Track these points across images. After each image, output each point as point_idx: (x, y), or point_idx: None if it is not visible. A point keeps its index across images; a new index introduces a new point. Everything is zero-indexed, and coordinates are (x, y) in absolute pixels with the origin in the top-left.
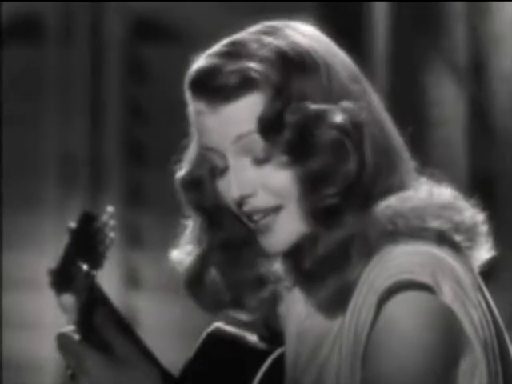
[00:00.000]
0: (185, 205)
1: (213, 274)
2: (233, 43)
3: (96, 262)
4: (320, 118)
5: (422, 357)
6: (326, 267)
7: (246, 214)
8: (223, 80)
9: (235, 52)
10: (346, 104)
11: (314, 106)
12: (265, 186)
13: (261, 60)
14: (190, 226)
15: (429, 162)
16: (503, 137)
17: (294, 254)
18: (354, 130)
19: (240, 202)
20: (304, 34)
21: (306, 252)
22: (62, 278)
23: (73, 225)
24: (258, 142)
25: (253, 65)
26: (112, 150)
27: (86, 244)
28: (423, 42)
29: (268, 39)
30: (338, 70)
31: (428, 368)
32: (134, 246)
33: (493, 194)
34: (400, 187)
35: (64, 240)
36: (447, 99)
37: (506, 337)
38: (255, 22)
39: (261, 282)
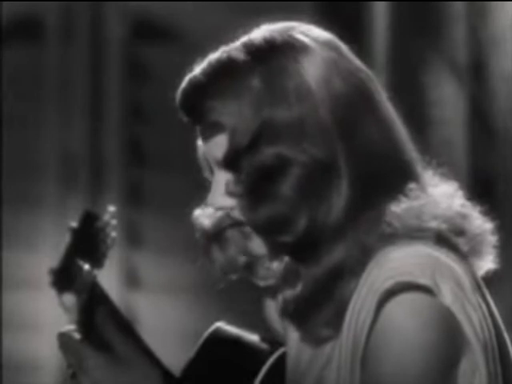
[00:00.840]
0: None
1: (230, 234)
2: (218, 62)
3: (97, 261)
4: (274, 168)
5: (421, 358)
6: (309, 306)
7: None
8: (198, 115)
9: (214, 81)
10: (307, 147)
11: (271, 153)
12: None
13: (234, 96)
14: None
15: (429, 162)
16: (503, 137)
17: (279, 298)
18: (311, 181)
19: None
20: (306, 48)
21: (288, 295)
22: (63, 278)
23: (74, 224)
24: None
25: (223, 105)
26: (112, 149)
27: (87, 243)
28: (423, 42)
29: (252, 62)
30: (323, 98)
31: (428, 369)
32: (134, 245)
33: (493, 194)
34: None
35: (65, 239)
36: (447, 99)
37: (507, 338)
38: (255, 22)
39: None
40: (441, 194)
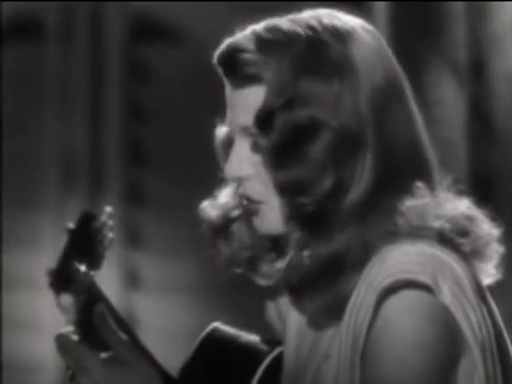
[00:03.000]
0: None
1: (237, 228)
2: (269, 29)
3: (95, 262)
4: (307, 129)
5: (419, 356)
6: (313, 284)
7: (240, 195)
8: (240, 67)
9: (262, 40)
10: (341, 116)
11: (305, 114)
12: (258, 174)
13: (277, 56)
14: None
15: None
16: (503, 137)
17: (284, 272)
18: (340, 147)
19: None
20: (354, 34)
21: (293, 269)
22: (61, 279)
23: (72, 225)
24: (258, 136)
25: (267, 59)
26: (112, 149)
27: (84, 244)
28: (423, 42)
29: (300, 33)
30: (363, 81)
31: (426, 367)
32: (134, 246)
33: (493, 194)
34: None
35: (63, 240)
36: (447, 99)
37: (507, 339)
38: (255, 22)
39: (277, 251)
40: (447, 195)
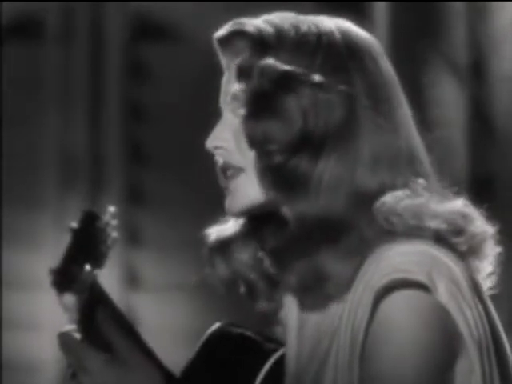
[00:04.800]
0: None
1: (238, 249)
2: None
3: (98, 261)
4: (285, 81)
5: (417, 355)
6: (291, 249)
7: (220, 168)
8: (240, 37)
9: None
10: (319, 78)
11: (283, 68)
12: (237, 141)
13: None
14: None
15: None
16: (503, 137)
17: (263, 236)
18: (316, 107)
19: (214, 153)
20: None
21: (272, 232)
22: (64, 278)
23: (75, 224)
24: (238, 92)
25: (266, 26)
26: (112, 150)
27: (87, 243)
28: (423, 42)
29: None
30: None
31: (424, 366)
32: (134, 245)
33: (493, 194)
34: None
35: (64, 240)
36: (447, 99)
37: (504, 338)
38: None
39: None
40: (444, 193)
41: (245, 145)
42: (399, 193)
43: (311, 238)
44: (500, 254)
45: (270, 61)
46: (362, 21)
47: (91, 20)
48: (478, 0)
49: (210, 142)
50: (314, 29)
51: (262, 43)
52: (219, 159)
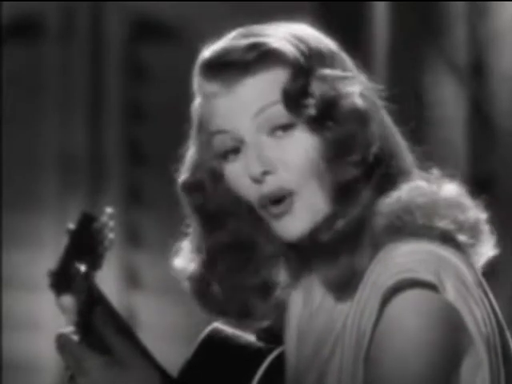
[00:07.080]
0: (187, 209)
1: (218, 280)
2: (246, 29)
3: (95, 263)
4: (343, 87)
5: (425, 356)
6: (340, 245)
7: (265, 195)
8: (240, 55)
9: (250, 33)
10: (361, 77)
11: (337, 75)
12: (285, 163)
13: (278, 38)
14: (190, 234)
15: (429, 162)
16: (503, 137)
17: (316, 231)
18: (371, 100)
19: (259, 180)
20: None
21: (322, 227)
22: (61, 279)
23: (72, 226)
24: (281, 112)
25: (270, 40)
26: (112, 150)
27: (85, 245)
28: (423, 41)
29: (281, 28)
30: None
31: (432, 367)
32: (133, 246)
33: (493, 194)
34: (402, 174)
35: (63, 241)
36: (447, 99)
37: (508, 335)
38: (255, 22)
39: (267, 287)
40: (446, 188)
41: (296, 160)
42: (414, 185)
43: (356, 237)
44: (500, 254)
45: (323, 75)
46: (362, 21)
47: (91, 20)
48: (478, 0)
49: (258, 168)
50: (312, 38)
51: (300, 65)
52: (264, 186)
